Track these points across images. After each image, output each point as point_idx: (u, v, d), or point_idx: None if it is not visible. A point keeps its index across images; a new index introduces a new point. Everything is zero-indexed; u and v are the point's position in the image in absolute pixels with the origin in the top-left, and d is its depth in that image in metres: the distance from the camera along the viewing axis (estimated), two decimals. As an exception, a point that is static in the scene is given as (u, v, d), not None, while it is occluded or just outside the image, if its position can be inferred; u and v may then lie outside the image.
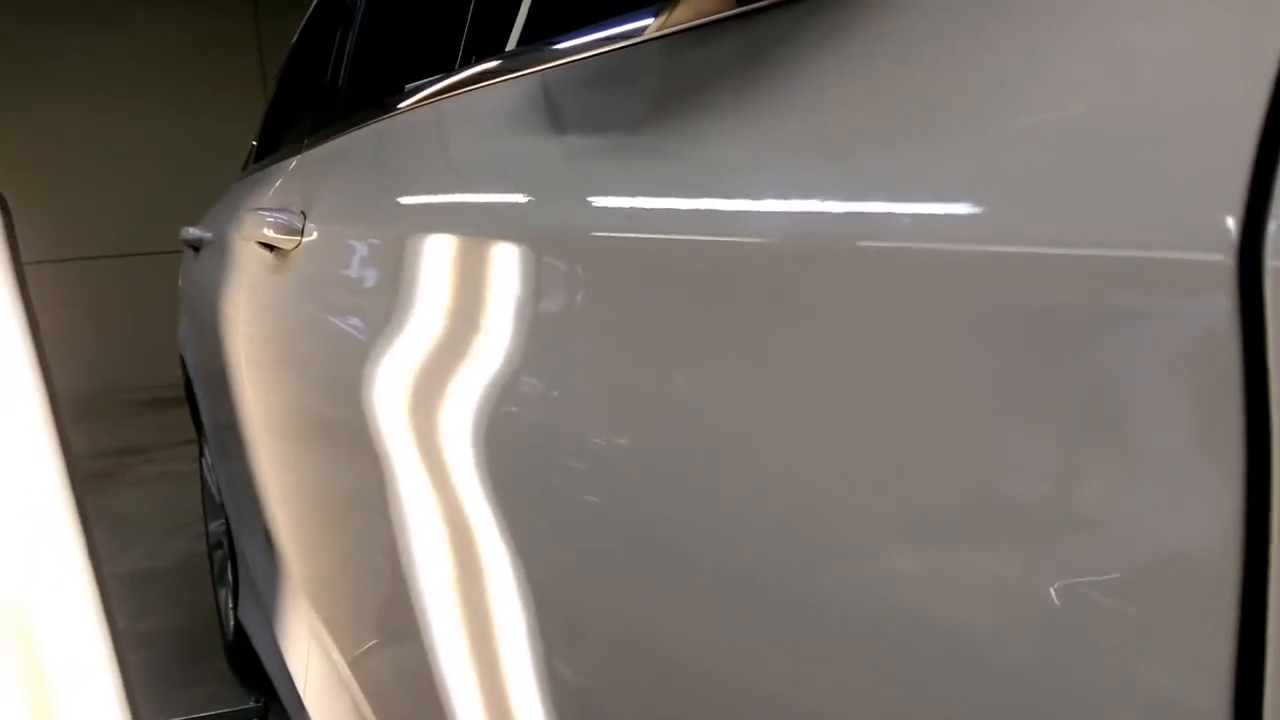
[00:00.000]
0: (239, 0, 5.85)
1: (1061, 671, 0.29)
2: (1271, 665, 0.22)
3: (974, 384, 0.29)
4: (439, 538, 0.76)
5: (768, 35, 0.43)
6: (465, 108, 0.77)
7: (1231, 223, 0.21)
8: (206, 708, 1.97)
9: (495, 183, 0.68)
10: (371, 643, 1.04)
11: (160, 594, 2.64)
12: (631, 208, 0.51)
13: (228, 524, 2.00)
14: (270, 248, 1.14)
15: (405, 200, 0.82)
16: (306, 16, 1.90)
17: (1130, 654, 0.26)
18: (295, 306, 1.02)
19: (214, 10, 5.75)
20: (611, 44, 0.57)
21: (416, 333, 0.76)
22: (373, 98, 1.03)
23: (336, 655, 1.15)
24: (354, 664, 1.09)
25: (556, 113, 0.64)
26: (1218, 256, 0.21)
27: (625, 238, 0.50)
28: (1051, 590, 0.29)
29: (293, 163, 1.33)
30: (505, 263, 0.63)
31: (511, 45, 0.73)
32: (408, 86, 0.97)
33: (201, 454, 2.40)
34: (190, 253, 2.05)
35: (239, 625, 1.99)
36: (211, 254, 1.76)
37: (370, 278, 0.84)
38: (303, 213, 1.01)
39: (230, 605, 2.11)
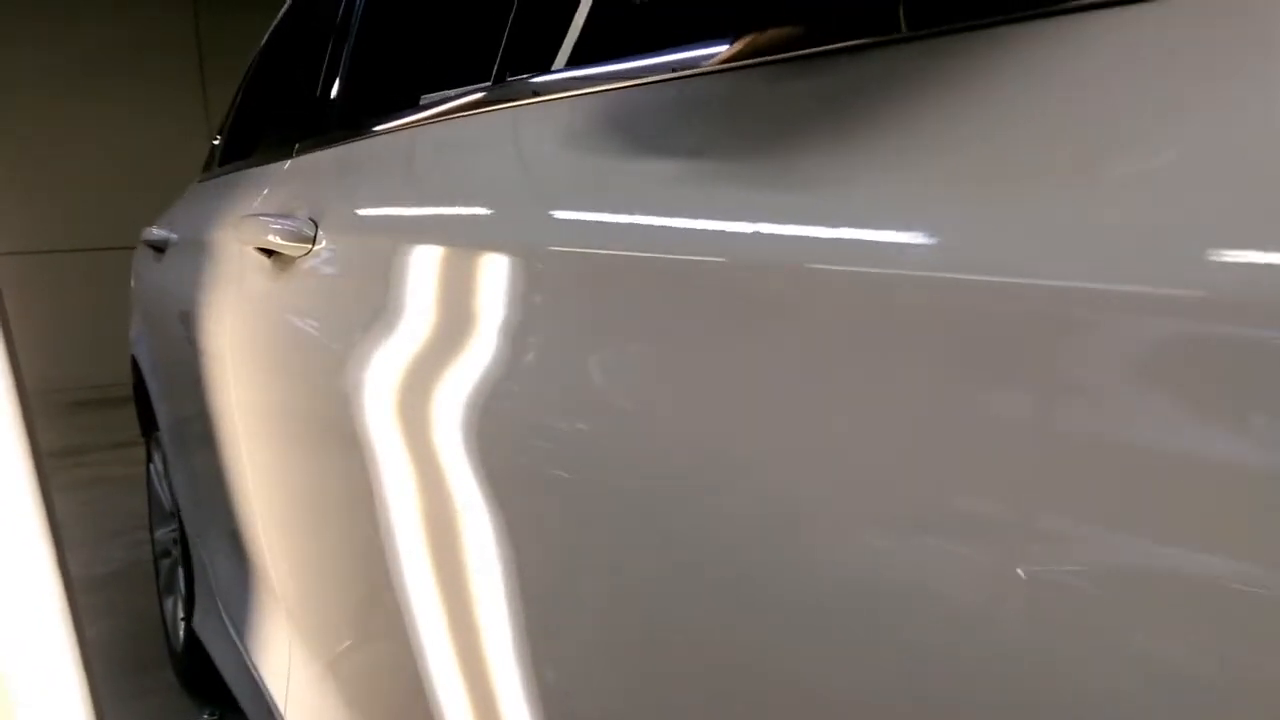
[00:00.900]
0: (179, -3, 5.73)
1: (1061, 665, 0.32)
2: None
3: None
4: (433, 551, 0.76)
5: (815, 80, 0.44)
6: (506, 125, 0.77)
7: None
8: (156, 720, 1.92)
9: (535, 201, 0.68)
10: (362, 650, 1.03)
11: (100, 603, 2.56)
12: (655, 228, 0.53)
13: (182, 531, 1.96)
14: (267, 253, 1.13)
15: (436, 213, 0.82)
16: (279, 19, 1.87)
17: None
18: (302, 314, 1.01)
19: (154, 7, 5.63)
20: (662, 73, 0.59)
21: (425, 347, 0.76)
22: (388, 108, 1.03)
23: (324, 665, 1.14)
24: (343, 673, 1.08)
25: (603, 134, 0.65)
26: None
27: (655, 258, 0.52)
28: (1035, 588, 0.32)
29: (282, 168, 1.32)
30: (542, 280, 0.64)
31: (559, 63, 0.73)
32: (425, 98, 0.97)
33: (150, 459, 2.34)
34: (150, 253, 2.01)
35: (192, 635, 1.94)
36: (182, 255, 1.72)
37: (388, 289, 0.84)
38: (313, 220, 1.01)
39: (181, 615, 2.06)
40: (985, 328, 0.34)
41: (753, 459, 0.44)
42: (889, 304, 0.38)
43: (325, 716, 1.12)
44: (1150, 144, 0.32)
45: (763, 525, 0.44)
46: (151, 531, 2.37)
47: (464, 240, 0.75)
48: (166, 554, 2.27)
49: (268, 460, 1.16)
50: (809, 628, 0.41)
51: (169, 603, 2.21)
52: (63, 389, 4.93)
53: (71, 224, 5.47)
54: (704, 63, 0.56)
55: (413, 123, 0.94)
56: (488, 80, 0.83)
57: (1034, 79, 0.36)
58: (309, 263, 1.00)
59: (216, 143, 2.20)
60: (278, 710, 1.30)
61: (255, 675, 1.45)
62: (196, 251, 1.56)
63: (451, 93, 0.88)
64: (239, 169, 1.66)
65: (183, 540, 1.97)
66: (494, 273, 0.70)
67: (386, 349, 0.83)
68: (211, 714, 1.88)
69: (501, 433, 0.65)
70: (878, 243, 0.40)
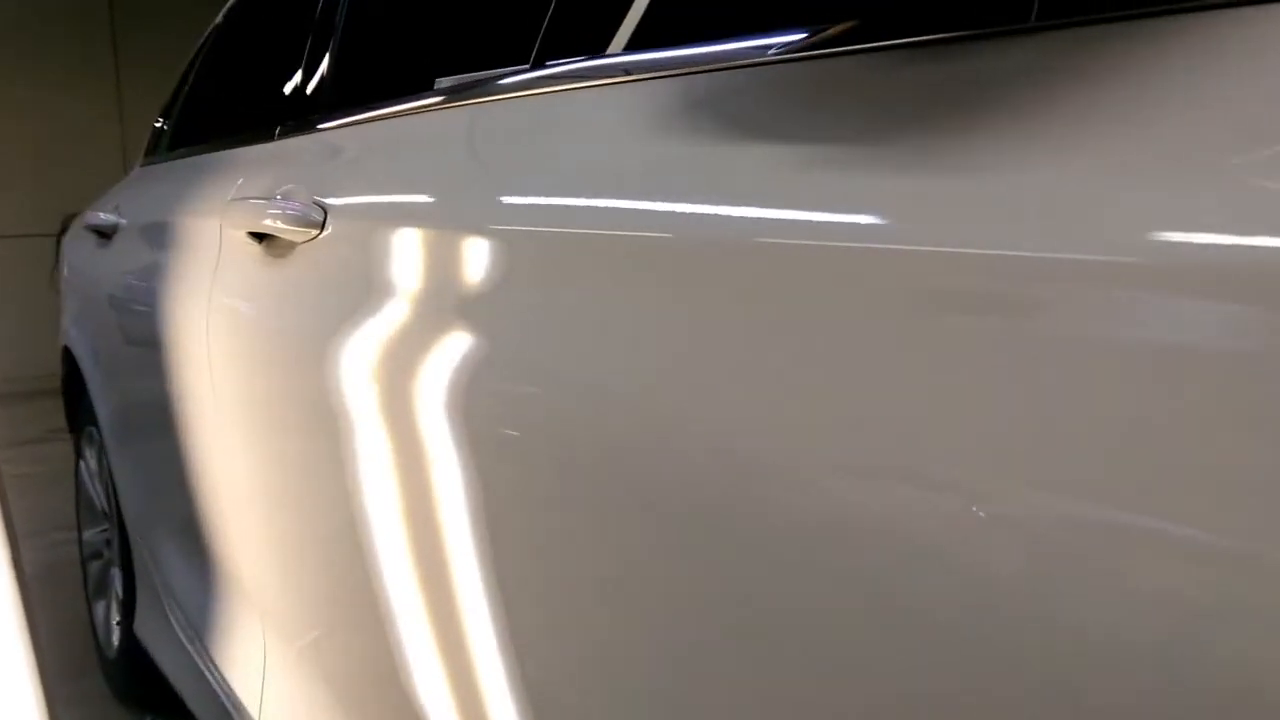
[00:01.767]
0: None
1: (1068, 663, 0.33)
2: None
3: None
4: (434, 550, 0.74)
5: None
6: (538, 110, 0.75)
7: None
8: (87, 729, 1.83)
9: (574, 188, 0.66)
10: (343, 652, 1.00)
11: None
12: (703, 215, 0.53)
13: (121, 532, 1.86)
14: (259, 238, 1.08)
15: (459, 201, 0.79)
16: (234, 0, 1.81)
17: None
18: (305, 302, 0.97)
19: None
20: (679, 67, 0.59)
21: (447, 339, 0.73)
22: (399, 90, 0.99)
23: (303, 667, 1.09)
24: (324, 675, 1.04)
25: (648, 122, 0.64)
26: None
27: (713, 245, 0.51)
28: (1053, 584, 0.34)
29: (262, 150, 1.27)
30: (581, 270, 0.62)
31: (614, 46, 0.71)
32: (441, 82, 0.94)
33: (80, 455, 2.23)
34: (91, 238, 1.91)
35: (130, 640, 1.85)
36: (136, 241, 1.64)
37: (414, 277, 0.81)
38: (320, 205, 0.96)
39: (117, 619, 1.96)
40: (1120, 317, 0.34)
41: (764, 448, 0.44)
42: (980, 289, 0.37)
43: (309, 712, 1.08)
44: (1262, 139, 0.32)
45: (763, 524, 0.44)
46: (79, 532, 2.26)
47: (488, 228, 0.73)
48: (97, 556, 2.16)
49: (252, 453, 1.11)
50: (787, 600, 0.43)
51: (100, 607, 2.11)
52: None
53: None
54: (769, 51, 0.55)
55: (431, 107, 0.91)
56: (500, 59, 0.82)
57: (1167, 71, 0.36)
58: (314, 250, 0.96)
59: (160, 125, 2.11)
60: (244, 711, 1.25)
61: (214, 677, 1.39)
62: (157, 236, 1.49)
63: (480, 76, 0.86)
64: (199, 152, 1.59)
65: (121, 541, 1.88)
66: (524, 261, 0.67)
67: (397, 340, 0.80)
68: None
69: (523, 430, 0.64)
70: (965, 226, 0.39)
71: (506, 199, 0.74)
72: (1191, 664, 0.30)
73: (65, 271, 2.23)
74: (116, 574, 1.96)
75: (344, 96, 1.13)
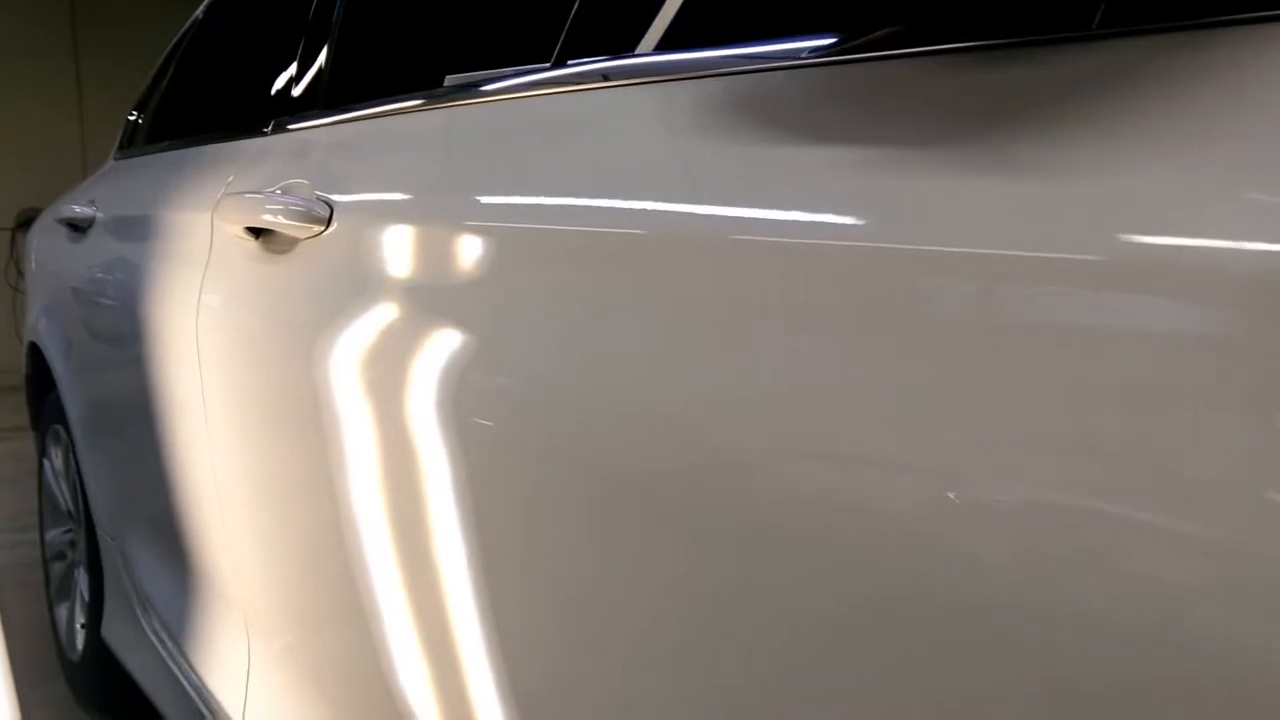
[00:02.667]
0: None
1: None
2: None
3: None
4: (431, 555, 0.73)
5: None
6: (549, 109, 0.75)
7: None
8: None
9: (586, 187, 0.66)
10: (330, 655, 0.98)
11: (-26, 611, 2.36)
12: (717, 217, 0.52)
13: (90, 532, 1.82)
14: (256, 234, 1.06)
15: (474, 199, 0.78)
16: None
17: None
18: (308, 299, 0.95)
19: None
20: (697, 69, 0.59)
21: (455, 339, 0.73)
22: (401, 85, 0.98)
23: (291, 668, 1.07)
24: (311, 679, 1.02)
25: (671, 122, 0.63)
26: None
27: (736, 244, 0.51)
28: (1067, 585, 0.33)
29: (255, 145, 1.24)
30: (596, 270, 0.61)
31: (644, 46, 0.71)
32: (451, 78, 0.93)
33: (44, 454, 2.18)
34: (63, 232, 1.87)
35: (95, 644, 1.80)
36: (113, 236, 1.60)
37: (426, 275, 0.80)
38: (325, 200, 0.95)
39: (82, 622, 1.91)
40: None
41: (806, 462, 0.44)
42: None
43: (295, 712, 1.06)
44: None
45: (752, 521, 0.45)
46: (42, 533, 2.20)
47: (501, 226, 0.72)
48: (60, 557, 2.11)
49: (245, 455, 1.09)
50: (777, 599, 0.44)
51: (63, 610, 2.06)
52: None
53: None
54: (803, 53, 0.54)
55: (441, 103, 0.90)
56: (507, 51, 0.81)
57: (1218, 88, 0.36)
58: (318, 246, 0.94)
59: (135, 118, 2.06)
60: (221, 713, 1.22)
61: (189, 681, 1.36)
62: (139, 230, 1.46)
63: (498, 73, 0.85)
64: (184, 145, 1.56)
65: (89, 542, 1.83)
66: (538, 261, 0.67)
67: (402, 339, 0.79)
68: (117, 728, 1.75)
69: (529, 433, 0.64)
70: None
71: (519, 198, 0.73)
72: (1180, 657, 0.31)
73: (33, 266, 2.17)
74: (82, 576, 1.91)
75: (346, 90, 1.12)
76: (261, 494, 1.07)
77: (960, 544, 0.38)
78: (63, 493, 2.06)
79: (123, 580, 1.66)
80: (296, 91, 1.22)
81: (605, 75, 0.73)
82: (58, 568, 2.12)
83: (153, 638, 1.54)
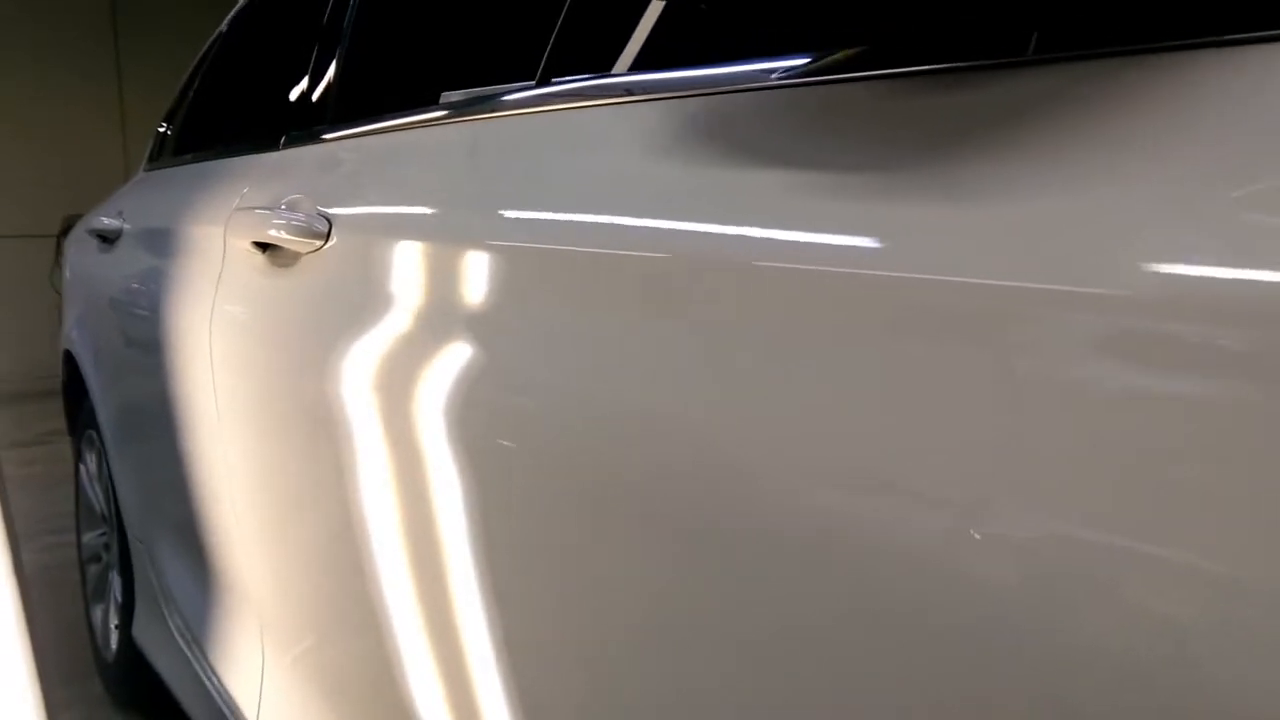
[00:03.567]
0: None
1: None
2: None
3: None
4: (434, 560, 0.74)
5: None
6: (539, 127, 0.76)
7: None
8: (84, 734, 1.83)
9: (573, 204, 0.67)
10: (345, 657, 1.00)
11: (16, 610, 2.42)
12: (728, 236, 0.53)
13: (121, 535, 1.87)
14: (263, 248, 1.08)
15: (468, 214, 0.80)
16: (239, 7, 1.81)
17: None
18: (309, 313, 0.98)
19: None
20: (720, 86, 0.60)
21: (450, 352, 0.74)
22: (404, 102, 1.00)
23: (303, 672, 1.10)
24: (325, 679, 1.04)
25: (652, 142, 0.64)
26: None
27: (714, 261, 0.52)
28: (1044, 587, 0.35)
29: (268, 159, 1.27)
30: (581, 287, 0.63)
31: (620, 65, 0.72)
32: (446, 96, 0.94)
33: (80, 459, 2.23)
34: (94, 242, 1.92)
35: (128, 645, 1.85)
36: (139, 247, 1.65)
37: (416, 290, 0.82)
38: (325, 216, 0.97)
39: (115, 623, 1.96)
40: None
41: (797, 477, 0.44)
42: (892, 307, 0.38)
43: (306, 718, 1.08)
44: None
45: (760, 526, 0.45)
46: (79, 535, 2.26)
47: (492, 243, 0.73)
48: (96, 559, 2.16)
49: (255, 461, 1.12)
50: (786, 613, 0.44)
51: (98, 610, 2.11)
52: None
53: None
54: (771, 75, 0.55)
55: (438, 120, 0.92)
56: (506, 72, 0.82)
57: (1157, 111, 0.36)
58: (319, 260, 0.96)
59: (164, 130, 2.11)
60: (240, 715, 1.25)
61: (212, 683, 1.39)
62: (162, 243, 1.50)
63: (488, 91, 0.86)
64: (204, 159, 1.60)
65: (121, 544, 1.88)
66: (525, 276, 0.68)
67: (399, 352, 0.80)
68: (147, 727, 1.79)
69: (524, 443, 0.65)
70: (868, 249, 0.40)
71: (508, 214, 0.75)
72: (1177, 680, 0.31)
73: (67, 275, 2.23)
74: (115, 578, 1.96)
75: (350, 107, 1.14)
76: (269, 501, 1.09)
77: (959, 561, 0.38)
78: (97, 496, 2.12)
79: (151, 582, 1.70)
80: (306, 107, 1.24)
81: (586, 94, 0.75)
82: (93, 569, 2.18)
83: (179, 639, 1.58)
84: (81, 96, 5.44)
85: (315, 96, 1.24)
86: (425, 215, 0.85)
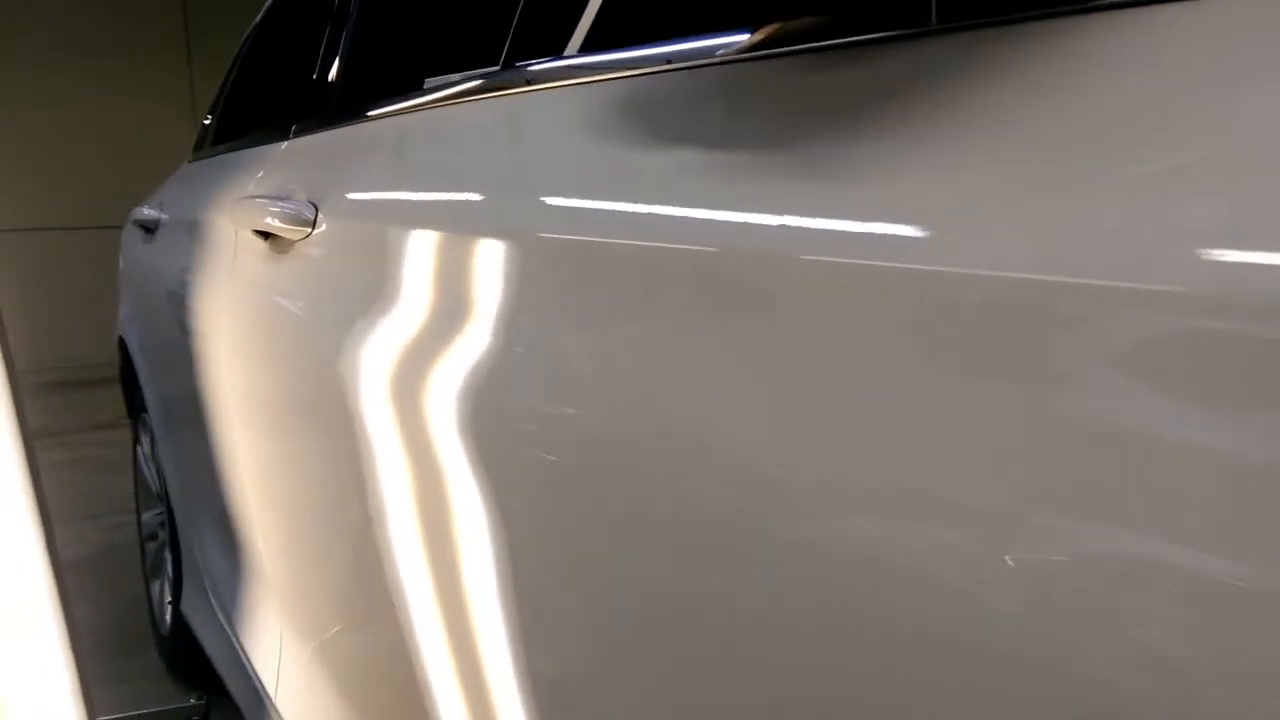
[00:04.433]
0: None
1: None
2: None
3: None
4: (426, 538, 0.76)
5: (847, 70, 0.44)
6: (513, 111, 0.77)
7: None
8: (140, 704, 1.91)
9: (538, 187, 0.68)
10: (352, 637, 1.03)
11: (81, 586, 2.54)
12: (681, 219, 0.53)
13: (170, 514, 1.94)
14: (264, 235, 1.11)
15: (439, 199, 0.81)
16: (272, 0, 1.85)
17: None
18: (299, 298, 1.00)
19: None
20: (670, 63, 0.58)
21: (430, 334, 0.75)
22: (393, 90, 1.02)
23: (315, 650, 1.13)
24: (334, 659, 1.07)
25: (621, 124, 0.64)
26: None
27: (683, 250, 0.51)
28: (1035, 584, 0.33)
29: (279, 149, 1.30)
30: (544, 268, 0.63)
31: (571, 48, 0.72)
32: (429, 81, 0.96)
33: (137, 441, 2.32)
34: (139, 233, 1.98)
35: (178, 619, 1.93)
36: (173, 236, 1.70)
37: (391, 275, 0.83)
38: (313, 203, 0.99)
39: (168, 599, 2.04)
40: (977, 322, 0.34)
41: (744, 449, 0.44)
42: (881, 297, 0.38)
43: (316, 702, 1.11)
44: (1167, 144, 0.31)
45: (756, 518, 0.44)
46: (138, 514, 2.35)
47: (467, 227, 0.74)
48: (153, 537, 2.25)
49: (261, 444, 1.15)
50: (802, 619, 0.42)
51: (156, 586, 2.20)
52: (41, 369, 4.88)
53: (55, 202, 5.42)
54: (718, 52, 0.55)
55: (416, 106, 0.93)
56: (494, 64, 0.83)
57: (1053, 76, 0.35)
58: (308, 247, 0.99)
59: (208, 122, 2.17)
60: (267, 695, 1.29)
61: (245, 660, 1.44)
62: (189, 232, 1.55)
63: (455, 77, 0.87)
64: (232, 150, 1.64)
65: (170, 523, 1.96)
66: (496, 261, 0.69)
67: (385, 335, 0.82)
68: (199, 699, 1.87)
69: (497, 421, 0.65)
70: (875, 236, 0.39)
71: (469, 197, 0.76)
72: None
73: (121, 265, 2.31)
74: (168, 555, 2.04)
75: (350, 95, 1.16)
76: (277, 487, 1.13)
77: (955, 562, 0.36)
78: (152, 476, 2.20)
79: (196, 559, 1.77)
80: (314, 97, 1.27)
81: (547, 76, 0.75)
82: (151, 547, 2.27)
83: (219, 615, 1.64)
84: (151, 89, 5.59)
85: (322, 86, 1.26)
86: (399, 201, 0.87)
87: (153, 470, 2.19)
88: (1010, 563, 0.33)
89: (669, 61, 0.60)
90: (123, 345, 2.19)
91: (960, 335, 0.35)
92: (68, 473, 3.50)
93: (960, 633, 0.35)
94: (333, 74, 1.23)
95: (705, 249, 0.49)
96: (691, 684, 0.50)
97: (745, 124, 0.53)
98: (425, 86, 0.96)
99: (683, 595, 0.50)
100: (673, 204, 0.54)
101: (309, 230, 0.98)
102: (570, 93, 0.70)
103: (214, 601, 1.65)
